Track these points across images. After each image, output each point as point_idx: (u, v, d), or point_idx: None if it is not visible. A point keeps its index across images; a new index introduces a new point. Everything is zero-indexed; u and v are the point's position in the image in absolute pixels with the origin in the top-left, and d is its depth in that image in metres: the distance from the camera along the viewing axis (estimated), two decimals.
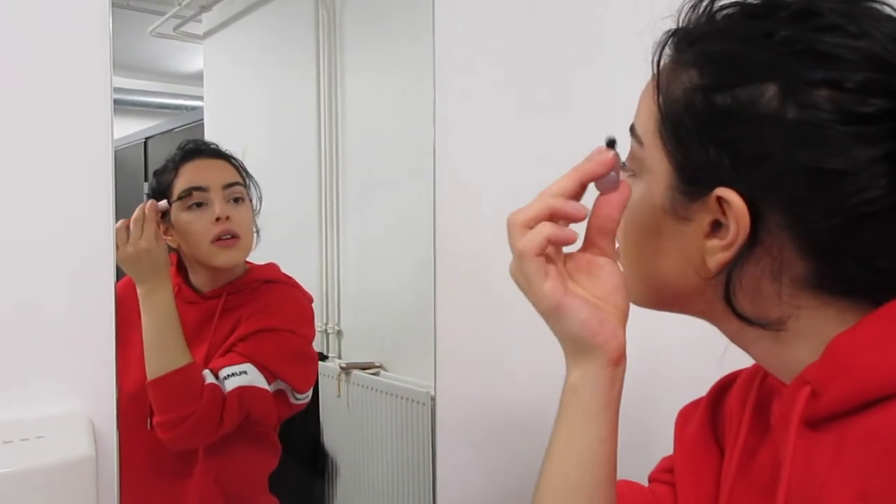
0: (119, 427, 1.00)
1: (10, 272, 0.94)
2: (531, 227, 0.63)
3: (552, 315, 0.65)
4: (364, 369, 1.51)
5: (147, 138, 1.39)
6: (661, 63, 0.57)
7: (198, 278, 1.22)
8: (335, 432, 1.54)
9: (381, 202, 1.55)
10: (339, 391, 1.53)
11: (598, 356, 0.63)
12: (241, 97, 1.55)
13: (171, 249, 1.20)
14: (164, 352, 1.12)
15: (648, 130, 0.57)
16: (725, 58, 0.52)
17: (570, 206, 0.62)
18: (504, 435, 1.56)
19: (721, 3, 0.54)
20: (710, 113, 0.52)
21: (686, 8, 0.56)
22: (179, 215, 1.18)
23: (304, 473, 1.52)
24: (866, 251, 0.49)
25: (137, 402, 1.12)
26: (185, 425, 1.11)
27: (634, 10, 1.67)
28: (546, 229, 0.62)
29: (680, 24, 0.57)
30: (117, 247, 1.04)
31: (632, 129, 0.60)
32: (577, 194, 0.64)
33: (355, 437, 1.54)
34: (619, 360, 0.64)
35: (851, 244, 0.49)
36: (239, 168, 1.26)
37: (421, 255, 1.48)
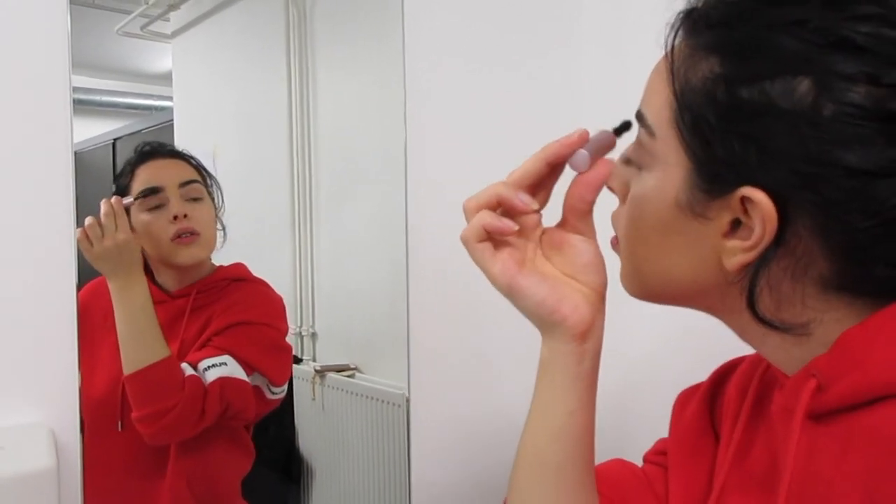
0: (84, 436, 0.98)
1: None
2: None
3: (507, 295, 0.67)
4: (339, 372, 1.50)
5: (115, 139, 1.37)
6: (675, 46, 0.53)
7: (164, 278, 1.22)
8: (310, 436, 1.53)
9: (354, 202, 1.53)
10: (313, 394, 1.52)
11: (561, 332, 0.64)
12: (211, 97, 1.53)
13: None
14: (142, 345, 1.12)
15: (662, 120, 0.53)
16: (752, 46, 0.49)
17: (515, 200, 0.63)
18: (479, 435, 1.55)
19: None
20: (736, 106, 0.48)
21: None
22: (139, 217, 1.17)
23: (279, 478, 1.51)
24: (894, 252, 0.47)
25: (106, 406, 1.11)
26: (168, 418, 1.10)
27: (607, 5, 1.67)
28: (484, 218, 0.64)
29: (694, 4, 0.53)
30: (91, 244, 1.05)
31: (640, 116, 0.56)
32: (545, 175, 0.64)
33: (330, 440, 1.53)
34: (585, 335, 0.64)
35: (884, 247, 0.47)
36: (197, 167, 1.26)
37: (395, 256, 1.46)
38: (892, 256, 0.48)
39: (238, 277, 1.28)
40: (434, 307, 1.46)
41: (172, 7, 1.43)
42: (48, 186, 0.97)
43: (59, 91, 0.97)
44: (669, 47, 0.54)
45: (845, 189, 0.46)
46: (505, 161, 1.52)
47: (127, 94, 1.47)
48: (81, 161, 1.05)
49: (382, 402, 1.48)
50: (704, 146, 0.51)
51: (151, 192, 1.17)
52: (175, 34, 1.45)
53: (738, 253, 0.50)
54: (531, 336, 1.63)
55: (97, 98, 1.39)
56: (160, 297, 1.19)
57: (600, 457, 0.74)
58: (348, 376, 1.51)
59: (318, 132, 1.48)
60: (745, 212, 0.49)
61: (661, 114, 0.54)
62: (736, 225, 0.50)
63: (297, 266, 1.49)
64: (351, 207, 1.53)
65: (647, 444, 0.82)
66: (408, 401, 1.44)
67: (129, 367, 1.10)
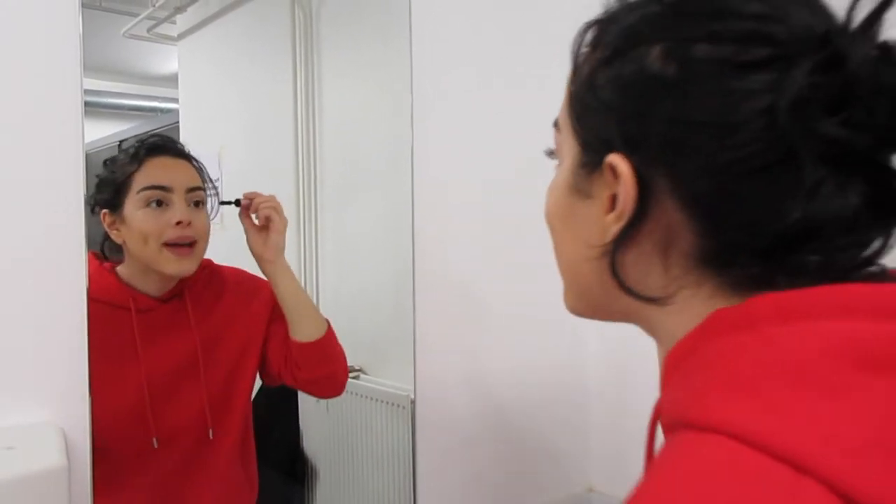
0: (93, 437, 0.98)
1: None
2: None
3: None
4: None
5: (121, 141, 1.37)
6: (582, 50, 0.56)
7: (146, 284, 1.16)
8: (315, 437, 1.54)
9: (358, 204, 1.54)
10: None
11: None
12: (217, 98, 1.54)
13: (114, 248, 1.14)
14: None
15: (564, 115, 0.57)
16: (624, 29, 0.52)
17: None
18: (483, 436, 1.56)
19: None
20: (605, 83, 0.51)
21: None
22: (135, 212, 1.12)
23: (284, 479, 1.51)
24: (747, 215, 0.47)
25: (139, 420, 1.10)
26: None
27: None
28: None
29: (604, 12, 0.56)
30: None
31: (555, 122, 0.60)
32: None
33: (335, 441, 1.54)
34: None
35: (731, 206, 0.47)
36: (200, 171, 1.21)
37: (400, 258, 1.47)
38: (740, 217, 0.47)
39: (210, 266, 1.25)
40: (440, 309, 1.47)
41: (179, 10, 1.44)
42: (61, 190, 0.97)
43: (71, 93, 0.97)
44: (575, 52, 0.57)
45: (687, 144, 0.47)
46: (510, 164, 1.55)
47: (133, 96, 1.48)
48: (88, 162, 1.03)
49: (387, 403, 1.49)
50: (583, 124, 0.54)
51: (158, 189, 1.13)
52: (181, 36, 1.46)
53: (612, 224, 0.52)
54: (536, 338, 1.64)
55: (104, 100, 1.39)
56: (150, 304, 1.15)
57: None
58: (353, 378, 1.51)
59: (323, 134, 1.49)
60: (618, 182, 0.51)
61: (564, 107, 0.58)
62: (615, 200, 0.51)
63: (302, 267, 1.49)
64: (356, 209, 1.53)
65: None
66: (413, 402, 1.44)
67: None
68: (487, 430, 1.56)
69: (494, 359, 1.56)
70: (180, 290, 1.19)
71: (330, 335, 1.24)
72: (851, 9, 0.46)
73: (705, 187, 0.48)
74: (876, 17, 0.45)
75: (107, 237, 1.14)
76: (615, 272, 0.53)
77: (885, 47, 0.45)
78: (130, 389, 1.10)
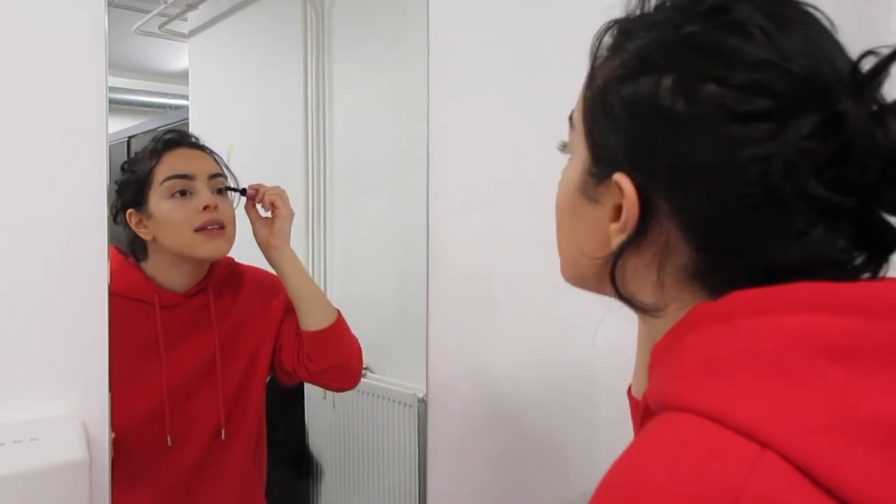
0: (111, 430, 0.99)
1: (1, 274, 0.93)
2: None
3: None
4: None
5: (130, 137, 1.37)
6: (601, 52, 0.59)
7: (172, 279, 1.17)
8: (321, 435, 1.54)
9: (367, 203, 1.54)
10: (325, 393, 1.52)
11: None
12: (227, 96, 1.54)
13: (142, 244, 1.15)
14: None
15: (578, 114, 0.60)
16: (640, 49, 0.54)
17: None
18: (495, 436, 1.56)
19: None
20: (618, 101, 0.54)
21: None
22: (160, 203, 1.13)
23: (290, 476, 1.51)
24: (740, 246, 0.51)
25: (156, 419, 1.11)
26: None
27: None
28: None
29: (624, 14, 0.59)
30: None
31: (570, 115, 0.63)
32: None
33: (341, 439, 1.54)
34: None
35: (725, 237, 0.51)
36: (219, 161, 1.23)
37: (409, 257, 1.48)
38: (731, 248, 0.51)
39: (232, 265, 1.26)
40: (452, 308, 1.47)
41: (190, 6, 1.44)
42: (85, 184, 0.97)
43: (95, 89, 0.97)
44: (593, 52, 0.60)
45: (689, 179, 0.51)
46: (526, 164, 1.55)
47: (143, 93, 1.47)
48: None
49: (393, 401, 1.49)
50: (597, 135, 0.57)
51: (181, 177, 1.15)
52: (192, 33, 1.46)
53: (616, 235, 0.56)
54: (548, 338, 1.64)
55: (114, 96, 1.39)
56: (175, 300, 1.16)
57: None
58: None
59: (333, 132, 1.49)
60: (624, 197, 0.54)
61: (579, 109, 0.61)
62: (621, 210, 0.55)
63: (310, 266, 1.49)
64: (365, 208, 1.54)
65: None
66: (420, 400, 1.45)
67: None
68: (498, 429, 1.56)
69: (506, 358, 1.57)
70: (204, 286, 1.20)
71: (340, 323, 1.24)
72: (858, 61, 0.48)
73: (703, 217, 0.51)
74: (880, 70, 0.48)
75: (134, 237, 1.15)
76: (614, 282, 0.57)
77: (884, 108, 0.48)
78: (151, 386, 1.11)
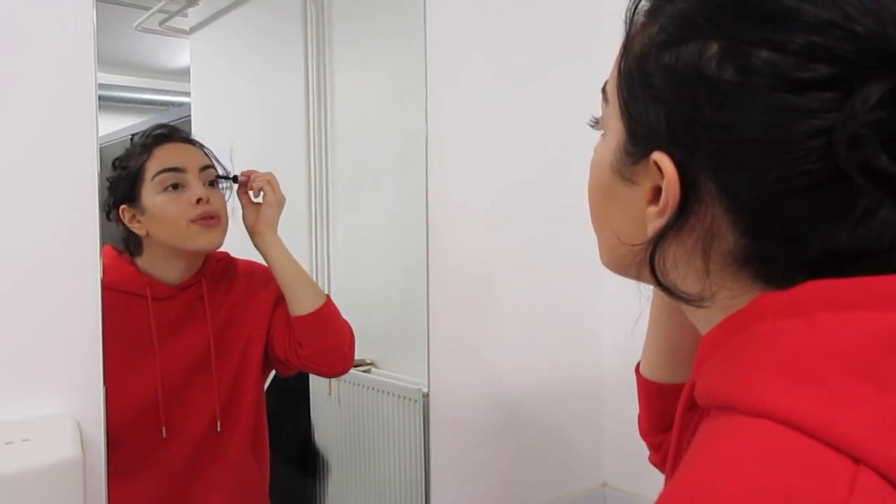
0: (107, 429, 0.99)
1: None
2: None
3: None
4: (355, 367, 1.50)
5: (132, 135, 1.36)
6: (633, 20, 0.54)
7: (166, 271, 1.17)
8: (326, 430, 1.54)
9: (370, 198, 1.54)
10: (329, 389, 1.52)
11: None
12: (229, 93, 1.53)
13: (136, 240, 1.16)
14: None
15: (612, 88, 0.55)
16: (681, 14, 0.49)
17: None
18: (497, 429, 1.55)
19: None
20: (656, 71, 0.49)
21: None
22: (154, 198, 1.13)
23: (295, 472, 1.51)
24: (792, 230, 0.46)
25: (150, 411, 1.11)
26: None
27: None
28: None
29: None
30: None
31: (603, 87, 0.58)
32: None
33: (347, 434, 1.54)
34: None
35: (777, 220, 0.46)
36: (209, 154, 1.24)
37: (411, 252, 1.47)
38: (782, 231, 0.46)
39: (226, 258, 1.27)
40: (453, 304, 1.47)
41: (191, 3, 1.44)
42: (76, 183, 0.97)
43: (86, 87, 0.97)
44: (629, 18, 0.54)
45: (737, 156, 0.46)
46: (526, 160, 1.54)
47: (144, 90, 1.47)
48: (100, 156, 1.04)
49: (398, 396, 1.49)
50: (633, 110, 0.52)
51: (172, 171, 1.15)
52: (193, 30, 1.46)
53: (653, 219, 0.50)
54: (550, 333, 1.64)
55: (115, 94, 1.39)
56: (168, 292, 1.17)
57: None
58: (364, 371, 1.51)
59: (335, 128, 1.49)
60: (662, 177, 0.49)
61: (613, 81, 0.55)
62: (658, 191, 0.50)
63: (313, 262, 1.49)
64: (367, 204, 1.53)
65: None
66: (425, 395, 1.44)
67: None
68: (501, 424, 1.56)
69: (508, 354, 1.56)
70: (198, 279, 1.20)
71: (329, 307, 1.24)
72: None
73: (753, 198, 0.46)
74: None
75: (128, 233, 1.15)
76: (654, 270, 0.52)
77: None
78: (144, 379, 1.11)
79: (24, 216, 0.95)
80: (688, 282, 0.52)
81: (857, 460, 0.38)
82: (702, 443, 0.45)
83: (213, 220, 1.17)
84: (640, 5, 0.54)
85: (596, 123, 0.60)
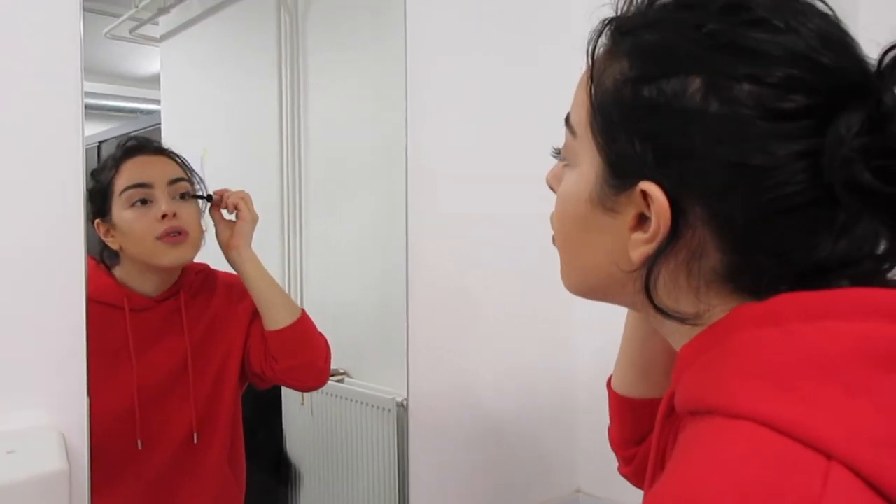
0: (91, 440, 0.97)
1: None
2: None
3: None
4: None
5: (101, 142, 1.35)
6: (597, 52, 0.57)
7: (143, 283, 1.17)
8: (299, 440, 1.53)
9: (343, 207, 1.54)
10: (302, 399, 1.52)
11: None
12: (200, 100, 1.52)
13: (112, 254, 1.15)
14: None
15: (581, 122, 0.57)
16: (654, 49, 0.52)
17: None
18: (476, 440, 1.56)
19: None
20: (637, 105, 0.52)
21: None
22: (122, 213, 1.13)
23: (267, 482, 1.50)
24: (780, 245, 0.50)
25: (125, 426, 1.10)
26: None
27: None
28: None
29: (617, 13, 0.57)
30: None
31: (566, 119, 0.60)
32: None
33: (319, 445, 1.53)
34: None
35: (766, 238, 0.50)
36: (183, 164, 1.23)
37: (387, 261, 1.47)
38: (774, 247, 0.50)
39: (206, 270, 1.26)
40: (432, 313, 1.47)
41: (162, 11, 1.42)
42: (61, 191, 0.96)
43: (71, 94, 0.96)
44: (591, 53, 0.57)
45: (728, 182, 0.49)
46: (507, 167, 1.56)
47: (114, 97, 1.45)
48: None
49: (372, 406, 1.49)
50: (612, 144, 0.54)
51: (139, 187, 1.14)
52: (164, 37, 1.44)
53: (640, 245, 0.53)
54: (527, 343, 1.65)
55: (85, 101, 1.37)
56: (146, 303, 1.16)
57: None
58: (338, 381, 1.51)
59: (308, 136, 1.48)
60: (648, 205, 0.52)
61: (580, 115, 0.57)
62: (642, 219, 0.53)
63: (286, 271, 1.49)
64: (341, 212, 1.53)
65: None
66: (399, 405, 1.45)
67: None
68: (476, 433, 1.57)
69: (485, 362, 1.57)
70: (176, 290, 1.19)
71: (304, 321, 1.24)
72: (885, 54, 0.48)
73: (741, 220, 0.49)
74: None
75: (104, 246, 1.14)
76: (649, 295, 0.54)
77: None
78: (121, 390, 1.10)
79: (8, 228, 0.93)
80: (681, 302, 0.54)
81: (829, 456, 0.41)
82: (686, 446, 0.48)
83: (181, 235, 1.15)
84: (600, 41, 0.57)
85: (558, 153, 0.63)
